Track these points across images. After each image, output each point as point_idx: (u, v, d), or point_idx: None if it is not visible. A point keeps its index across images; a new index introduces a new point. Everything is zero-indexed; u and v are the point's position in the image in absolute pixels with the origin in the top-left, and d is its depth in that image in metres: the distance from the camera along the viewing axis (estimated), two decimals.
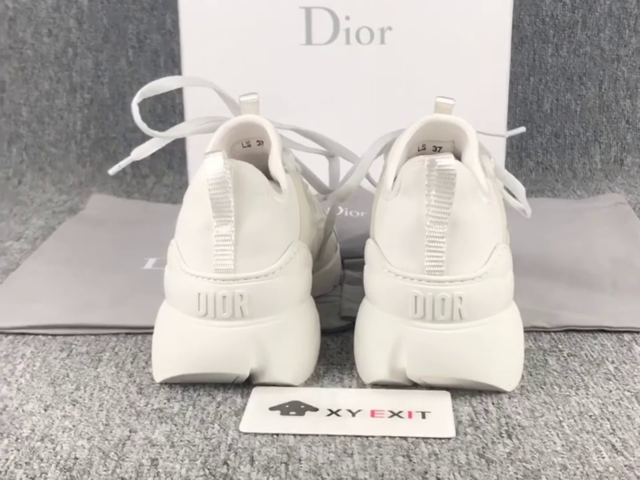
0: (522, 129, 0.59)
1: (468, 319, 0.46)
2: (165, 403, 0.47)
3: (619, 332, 0.55)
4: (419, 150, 0.53)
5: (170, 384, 0.49)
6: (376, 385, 0.48)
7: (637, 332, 0.55)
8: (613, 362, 0.51)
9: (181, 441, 0.43)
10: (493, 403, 0.47)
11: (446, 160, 0.44)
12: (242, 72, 0.80)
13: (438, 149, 0.53)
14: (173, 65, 0.96)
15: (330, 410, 0.46)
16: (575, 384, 0.49)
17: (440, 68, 0.80)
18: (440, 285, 0.45)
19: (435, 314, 0.46)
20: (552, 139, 0.99)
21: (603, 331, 0.55)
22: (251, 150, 0.53)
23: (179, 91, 0.92)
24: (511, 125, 0.98)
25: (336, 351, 0.53)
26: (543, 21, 0.97)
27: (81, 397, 0.48)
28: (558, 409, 0.46)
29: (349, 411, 0.45)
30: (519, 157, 0.98)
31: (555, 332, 0.55)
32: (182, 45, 0.79)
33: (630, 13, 0.97)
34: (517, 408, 0.46)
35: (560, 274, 0.64)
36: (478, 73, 0.81)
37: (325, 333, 0.53)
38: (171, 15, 0.95)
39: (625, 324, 0.56)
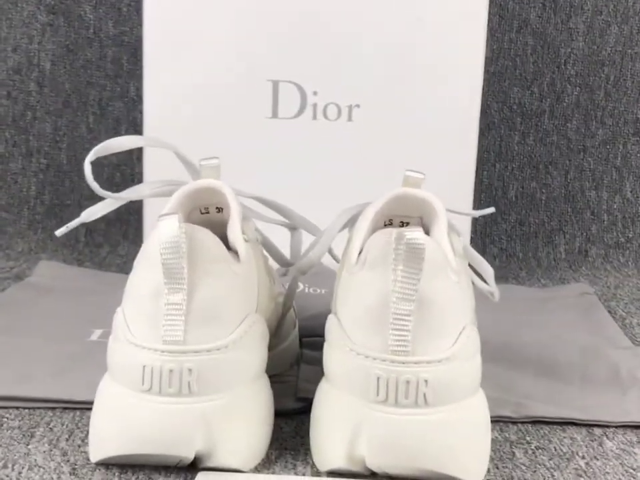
0: (491, 210, 0.57)
1: (433, 405, 0.43)
2: None
3: (588, 425, 0.52)
4: (385, 225, 0.51)
5: (107, 465, 0.45)
6: (332, 474, 0.44)
7: (608, 426, 0.52)
8: (583, 457, 0.48)
9: None
10: None
11: (415, 233, 0.42)
12: (205, 144, 0.77)
13: (405, 224, 0.51)
14: (134, 134, 0.94)
15: None
16: (544, 479, 0.45)
17: (407, 149, 0.79)
18: (404, 367, 0.42)
19: (398, 397, 0.42)
20: (516, 226, 0.98)
21: (572, 423, 0.52)
22: (209, 217, 0.51)
23: (139, 159, 0.89)
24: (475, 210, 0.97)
25: (290, 435, 0.49)
26: (510, 108, 0.97)
27: (7, 476, 0.43)
28: None
29: None
30: (482, 242, 0.97)
31: (521, 423, 0.52)
32: (144, 114, 0.77)
33: (597, 104, 0.97)
34: None
35: (527, 362, 0.62)
36: (445, 156, 0.79)
37: (279, 414, 0.50)
38: (135, 83, 0.93)
39: (596, 417, 0.53)
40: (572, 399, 0.55)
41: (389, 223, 0.51)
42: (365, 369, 0.43)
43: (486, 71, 0.94)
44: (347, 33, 0.77)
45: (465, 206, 0.81)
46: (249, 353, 0.45)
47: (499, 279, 0.89)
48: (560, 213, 0.98)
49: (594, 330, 0.70)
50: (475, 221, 0.96)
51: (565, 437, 0.50)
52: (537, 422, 0.52)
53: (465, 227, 0.81)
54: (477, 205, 0.97)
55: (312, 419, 0.46)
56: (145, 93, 0.77)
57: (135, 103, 0.93)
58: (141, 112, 0.83)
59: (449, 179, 0.79)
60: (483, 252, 0.96)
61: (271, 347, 0.52)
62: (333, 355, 0.45)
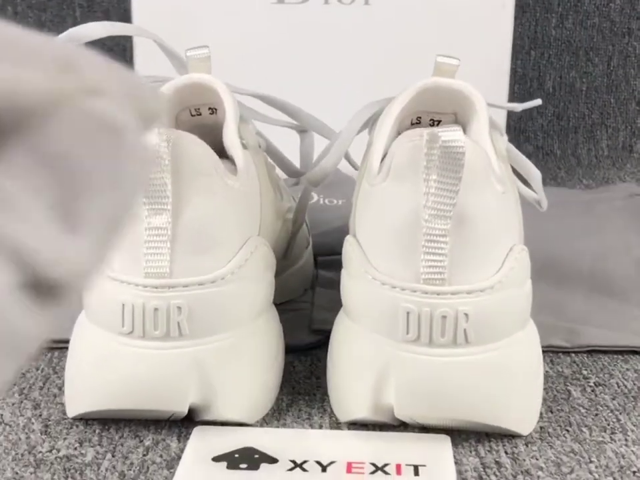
0: (537, 102, 0.48)
1: (475, 343, 0.35)
2: (75, 448, 0.36)
3: None
4: (412, 124, 0.42)
5: (86, 420, 0.37)
6: (354, 425, 0.37)
7: None
8: None
9: None
10: (506, 452, 0.36)
11: (452, 133, 0.33)
12: (203, 36, 0.68)
13: (437, 122, 0.43)
14: None
15: (293, 462, 0.34)
16: (609, 425, 0.38)
17: (432, 36, 0.69)
18: (440, 298, 0.35)
19: (432, 336, 0.35)
20: (554, 120, 0.88)
21: (635, 352, 0.45)
22: (201, 119, 0.42)
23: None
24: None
25: (304, 375, 0.42)
26: None
27: None
28: (591, 461, 0.35)
29: (319, 463, 0.34)
30: (516, 140, 0.88)
31: (576, 353, 0.45)
32: (132, 3, 0.68)
33: None
34: (537, 460, 0.35)
35: (577, 278, 0.54)
36: (476, 44, 0.70)
37: (291, 350, 0.42)
38: None
39: None
40: (632, 322, 0.48)
41: (417, 122, 0.42)
42: (392, 302, 0.35)
43: None
44: None
45: (500, 100, 0.72)
46: (251, 285, 0.37)
47: None
48: (602, 104, 0.88)
49: None
50: (509, 116, 0.87)
51: (627, 370, 0.43)
52: (594, 351, 0.45)
53: (499, 122, 0.72)
54: (511, 97, 0.87)
55: (330, 361, 0.39)
56: None
57: None
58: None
59: (480, 70, 0.70)
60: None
61: (281, 271, 0.45)
62: (353, 286, 0.37)
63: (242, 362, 0.37)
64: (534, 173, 0.45)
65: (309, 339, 0.45)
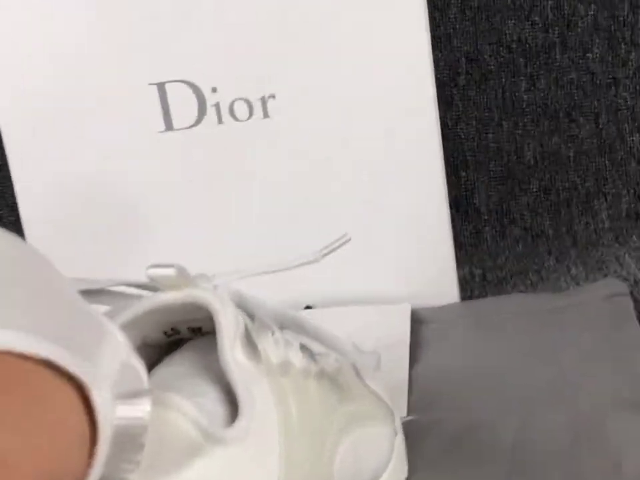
0: (346, 238, 0.38)
1: None
2: None
3: None
4: (168, 335, 0.33)
5: None
6: None
7: None
8: None
9: None
10: None
11: (132, 408, 0.24)
12: (86, 179, 0.61)
13: (197, 329, 0.33)
14: None
15: None
16: None
17: (347, 143, 0.60)
18: None
19: None
20: (541, 196, 0.77)
21: None
22: None
23: None
24: (484, 184, 0.77)
25: None
26: (508, 48, 0.75)
27: None
28: None
29: None
30: (500, 224, 0.76)
31: None
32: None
33: (622, 22, 0.74)
34: None
35: (498, 454, 0.42)
36: (401, 141, 0.60)
37: None
38: None
39: None
40: None
41: (175, 332, 0.33)
42: None
43: (468, 7, 0.74)
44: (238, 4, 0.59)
45: (439, 203, 0.61)
46: None
47: (515, 276, 0.69)
48: (595, 169, 0.76)
49: (616, 367, 0.49)
50: (488, 196, 0.76)
51: None
52: None
53: (439, 199, 0.61)
54: (487, 177, 0.76)
55: None
56: None
57: None
58: None
59: (410, 179, 0.61)
60: (501, 237, 0.76)
61: None
62: None
63: None
64: (342, 346, 0.35)
65: None
